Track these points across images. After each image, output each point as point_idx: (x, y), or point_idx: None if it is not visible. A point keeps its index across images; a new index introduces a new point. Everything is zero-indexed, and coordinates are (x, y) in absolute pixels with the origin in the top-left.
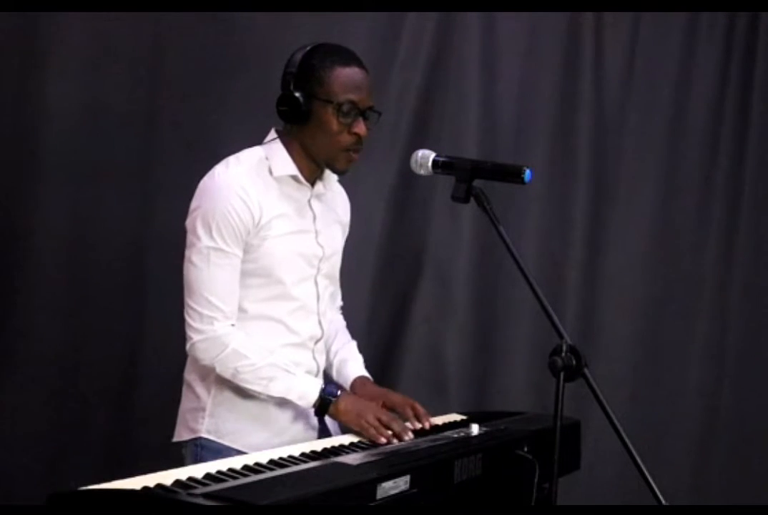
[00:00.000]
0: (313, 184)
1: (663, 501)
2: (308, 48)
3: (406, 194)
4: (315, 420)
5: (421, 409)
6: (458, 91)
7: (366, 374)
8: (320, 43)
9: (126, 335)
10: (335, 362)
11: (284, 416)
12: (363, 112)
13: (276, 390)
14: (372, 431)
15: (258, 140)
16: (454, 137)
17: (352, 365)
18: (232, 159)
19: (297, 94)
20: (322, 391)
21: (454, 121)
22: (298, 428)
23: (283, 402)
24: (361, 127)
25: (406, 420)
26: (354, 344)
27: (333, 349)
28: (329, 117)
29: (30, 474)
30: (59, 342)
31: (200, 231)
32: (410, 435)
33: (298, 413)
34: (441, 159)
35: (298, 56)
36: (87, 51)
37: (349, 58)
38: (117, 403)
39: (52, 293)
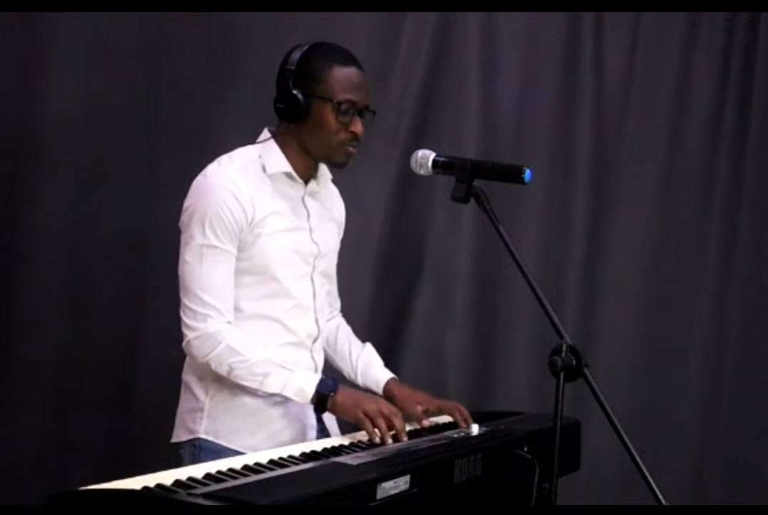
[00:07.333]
0: (306, 182)
1: (663, 501)
2: (306, 47)
3: (406, 194)
4: (314, 420)
5: (465, 412)
6: (458, 91)
7: (395, 376)
8: (317, 42)
9: (126, 336)
10: (359, 366)
11: (282, 416)
12: (360, 112)
13: (272, 386)
14: (368, 425)
15: None
16: (454, 137)
17: (379, 369)
18: (224, 158)
19: (295, 92)
20: (319, 386)
21: (454, 122)
22: (297, 428)
23: (280, 402)
24: (358, 126)
25: (454, 423)
26: (370, 346)
27: (353, 354)
28: (327, 115)
29: (30, 474)
30: (59, 342)
31: (193, 229)
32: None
33: (297, 413)
34: (441, 159)
35: (297, 54)
36: (87, 51)
37: (347, 57)
38: (117, 403)
39: (52, 292)
